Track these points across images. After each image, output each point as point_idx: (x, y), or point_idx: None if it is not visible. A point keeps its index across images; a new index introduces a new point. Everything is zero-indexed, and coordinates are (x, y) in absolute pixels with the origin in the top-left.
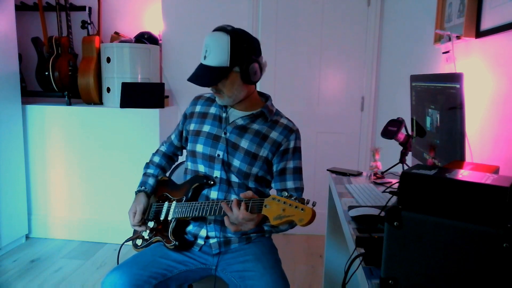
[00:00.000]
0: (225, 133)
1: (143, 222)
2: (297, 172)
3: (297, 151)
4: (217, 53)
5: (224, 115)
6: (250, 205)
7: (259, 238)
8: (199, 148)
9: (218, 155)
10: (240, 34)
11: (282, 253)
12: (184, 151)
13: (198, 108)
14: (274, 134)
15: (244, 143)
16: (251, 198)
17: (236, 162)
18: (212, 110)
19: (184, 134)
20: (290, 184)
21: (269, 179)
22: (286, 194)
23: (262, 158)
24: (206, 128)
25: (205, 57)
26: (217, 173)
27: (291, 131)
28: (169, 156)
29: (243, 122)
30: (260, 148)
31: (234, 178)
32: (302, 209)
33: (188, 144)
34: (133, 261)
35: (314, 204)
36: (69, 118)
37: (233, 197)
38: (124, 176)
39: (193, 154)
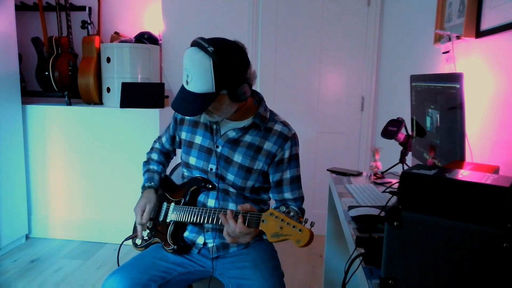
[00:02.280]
0: (216, 147)
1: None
2: (295, 181)
3: (293, 159)
4: (199, 80)
5: (214, 126)
6: (247, 219)
7: (257, 242)
8: (192, 160)
9: (211, 169)
10: (224, 54)
11: (282, 253)
12: (178, 154)
13: None
14: (268, 145)
15: (237, 158)
16: (248, 211)
17: (230, 176)
18: (203, 118)
19: (177, 139)
20: (288, 195)
21: (267, 186)
22: (285, 209)
23: (257, 171)
24: (198, 139)
25: (187, 82)
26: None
27: (285, 138)
28: (165, 153)
29: (235, 135)
30: (254, 161)
31: (231, 189)
32: (300, 230)
33: (182, 154)
34: (133, 264)
35: (312, 224)
36: (69, 118)
37: (231, 205)
38: (124, 176)
39: (187, 165)
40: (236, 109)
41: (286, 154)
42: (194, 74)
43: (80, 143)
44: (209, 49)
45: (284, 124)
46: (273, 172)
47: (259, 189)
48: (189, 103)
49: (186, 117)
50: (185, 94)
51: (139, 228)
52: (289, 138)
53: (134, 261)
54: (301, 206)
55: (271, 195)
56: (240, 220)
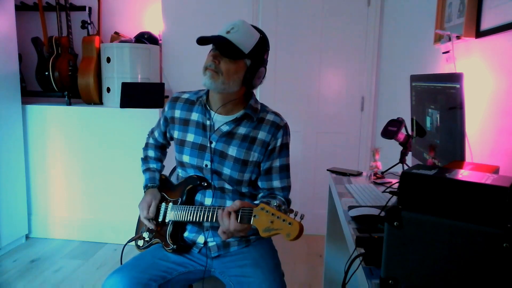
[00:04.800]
0: (211, 142)
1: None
2: (284, 170)
3: (284, 148)
4: (243, 36)
5: (208, 122)
6: (239, 215)
7: (258, 241)
8: (186, 158)
9: (206, 165)
10: (267, 41)
11: (282, 253)
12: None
13: (177, 113)
14: (262, 135)
15: (232, 151)
16: (239, 208)
17: (226, 171)
18: (194, 116)
19: (168, 135)
20: (276, 184)
21: None
22: (276, 203)
23: (253, 162)
24: (190, 137)
25: (228, 32)
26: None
27: (278, 127)
28: (160, 146)
29: (229, 128)
30: (249, 152)
31: (227, 185)
32: (289, 223)
33: (175, 153)
34: (133, 263)
35: (302, 217)
36: (69, 118)
37: (228, 203)
38: (124, 176)
39: (181, 164)
40: (232, 98)
41: (278, 143)
42: (242, 30)
43: (80, 143)
44: (259, 29)
45: (276, 114)
46: (264, 160)
47: (256, 183)
48: (223, 44)
49: (176, 115)
50: (220, 38)
51: (145, 222)
52: (281, 127)
53: (135, 261)
54: (287, 196)
55: (259, 183)
56: (233, 217)
